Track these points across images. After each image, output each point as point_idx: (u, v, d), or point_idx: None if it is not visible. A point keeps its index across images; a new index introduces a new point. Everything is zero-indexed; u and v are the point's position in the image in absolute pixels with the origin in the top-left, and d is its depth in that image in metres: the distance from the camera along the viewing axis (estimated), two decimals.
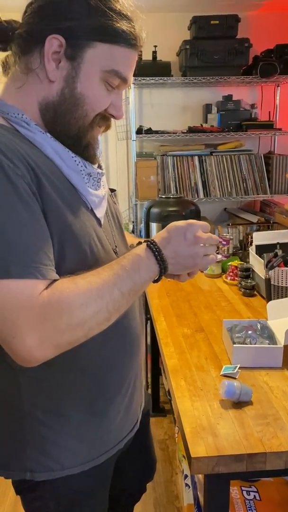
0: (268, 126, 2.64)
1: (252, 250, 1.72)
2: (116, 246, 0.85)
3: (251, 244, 1.77)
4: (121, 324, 0.77)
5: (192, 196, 2.61)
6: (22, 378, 0.77)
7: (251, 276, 1.68)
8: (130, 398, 0.89)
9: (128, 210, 2.84)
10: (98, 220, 0.80)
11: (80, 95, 0.73)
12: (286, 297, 1.46)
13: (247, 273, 1.67)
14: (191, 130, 2.59)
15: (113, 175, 2.85)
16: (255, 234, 1.75)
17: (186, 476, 1.57)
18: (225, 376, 1.07)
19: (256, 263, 1.65)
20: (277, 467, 0.83)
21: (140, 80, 2.44)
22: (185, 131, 2.62)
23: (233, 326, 1.24)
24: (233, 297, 1.62)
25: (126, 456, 0.97)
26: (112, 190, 0.97)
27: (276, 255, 1.50)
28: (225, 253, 1.99)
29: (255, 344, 1.16)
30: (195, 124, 2.71)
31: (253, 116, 2.69)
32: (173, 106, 2.79)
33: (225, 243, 2.00)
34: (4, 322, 0.62)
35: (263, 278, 1.52)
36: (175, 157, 2.63)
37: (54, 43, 0.69)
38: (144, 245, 0.75)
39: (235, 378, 1.05)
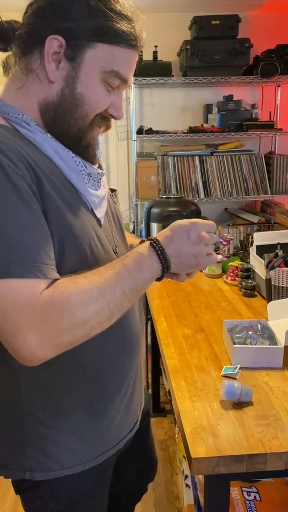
0: (269, 126, 2.64)
1: (252, 251, 1.72)
2: (116, 246, 0.85)
3: (251, 245, 1.76)
4: (121, 324, 0.77)
5: (193, 196, 2.61)
6: (22, 377, 0.77)
7: (251, 276, 1.67)
8: (130, 398, 0.89)
9: (129, 210, 2.84)
10: (98, 220, 0.80)
11: (80, 95, 0.73)
12: (286, 297, 1.46)
13: (248, 273, 1.67)
14: (192, 130, 2.59)
15: (114, 175, 2.85)
16: (255, 235, 1.75)
17: (186, 477, 1.57)
18: (226, 376, 1.07)
19: (257, 264, 1.65)
20: (277, 468, 0.83)
21: (140, 80, 2.44)
22: (186, 131, 2.62)
23: (234, 327, 1.24)
24: (233, 298, 1.62)
25: (126, 456, 0.97)
26: (113, 190, 0.97)
27: (276, 256, 1.50)
28: (226, 253, 1.98)
29: (255, 344, 1.15)
30: (196, 124, 2.71)
31: (253, 116, 2.69)
32: (173, 106, 2.79)
33: (225, 243, 2.00)
34: (5, 321, 0.62)
35: (264, 278, 1.51)
36: (175, 157, 2.63)
37: (54, 43, 0.69)
38: (147, 243, 0.75)
39: (235, 379, 1.05)
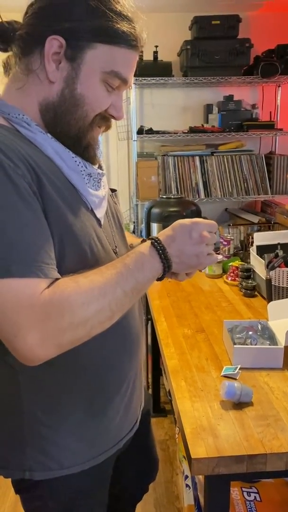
0: (269, 126, 2.64)
1: (253, 251, 1.72)
2: (116, 247, 0.85)
3: (252, 245, 1.76)
4: (121, 324, 0.77)
5: (193, 197, 2.61)
6: (22, 377, 0.77)
7: (252, 276, 1.67)
8: (129, 398, 0.89)
9: (129, 210, 2.84)
10: (98, 220, 0.80)
11: (80, 95, 0.73)
12: (286, 297, 1.46)
13: (248, 273, 1.67)
14: (192, 130, 2.59)
15: (114, 175, 2.85)
16: (256, 235, 1.75)
17: (186, 477, 1.57)
18: (226, 376, 1.07)
19: (257, 264, 1.65)
20: (277, 468, 0.83)
21: (141, 80, 2.44)
22: (186, 131, 2.62)
23: (234, 327, 1.24)
24: (233, 298, 1.62)
25: (126, 456, 0.97)
26: (113, 190, 0.97)
27: (277, 256, 1.50)
28: (226, 253, 1.98)
29: (255, 344, 1.15)
30: (196, 124, 2.71)
31: (254, 116, 2.69)
32: (174, 106, 2.79)
33: (226, 243, 2.00)
34: (5, 321, 0.62)
35: (264, 278, 1.51)
36: (176, 157, 2.63)
37: (54, 44, 0.69)
38: (148, 243, 0.75)
39: (235, 379, 1.05)
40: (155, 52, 2.48)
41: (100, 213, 0.81)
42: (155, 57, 2.49)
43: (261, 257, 1.60)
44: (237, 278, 1.74)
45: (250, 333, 1.19)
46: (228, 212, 2.90)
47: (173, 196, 2.18)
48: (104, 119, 0.78)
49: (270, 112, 2.77)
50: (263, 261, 1.54)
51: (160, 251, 0.74)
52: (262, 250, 1.65)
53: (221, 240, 2.01)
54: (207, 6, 2.46)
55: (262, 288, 1.58)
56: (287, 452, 0.83)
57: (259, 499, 1.31)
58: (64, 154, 0.74)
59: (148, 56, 2.45)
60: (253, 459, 0.82)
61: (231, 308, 1.52)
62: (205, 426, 0.90)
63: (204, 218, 0.81)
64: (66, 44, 0.70)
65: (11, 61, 0.75)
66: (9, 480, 0.85)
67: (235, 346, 1.12)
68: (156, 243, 0.74)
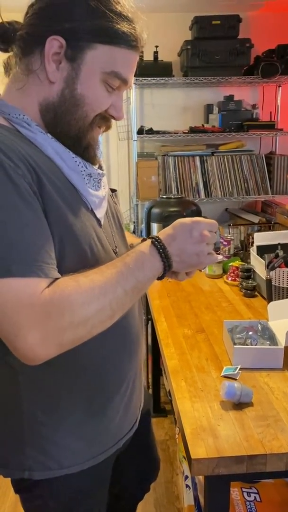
0: (270, 126, 2.64)
1: (253, 251, 1.72)
2: (116, 247, 0.85)
3: (252, 245, 1.76)
4: (120, 323, 0.77)
5: (193, 197, 2.61)
6: (21, 377, 0.77)
7: (252, 276, 1.67)
8: (129, 398, 0.89)
9: (129, 210, 2.84)
10: (98, 220, 0.80)
11: (80, 96, 0.73)
12: (287, 298, 1.45)
13: (248, 273, 1.67)
14: (192, 130, 2.59)
15: (114, 175, 2.85)
16: (256, 235, 1.75)
17: (186, 477, 1.57)
18: (226, 377, 1.07)
19: (257, 264, 1.65)
20: (277, 469, 0.83)
21: (141, 80, 2.44)
22: (186, 131, 2.62)
23: (234, 327, 1.24)
24: (234, 298, 1.62)
25: (126, 456, 0.97)
26: (113, 191, 0.97)
27: (277, 256, 1.50)
28: (226, 253, 1.98)
29: (255, 345, 1.15)
30: (196, 124, 2.71)
31: (254, 117, 2.69)
32: (174, 106, 2.79)
33: (226, 243, 2.00)
34: (6, 320, 0.62)
35: (264, 278, 1.51)
36: (176, 157, 2.63)
37: (54, 44, 0.69)
38: (148, 242, 0.75)
39: (235, 379, 1.05)
40: (156, 52, 2.48)
41: (100, 213, 0.81)
42: (156, 57, 2.49)
43: (261, 257, 1.60)
44: (237, 278, 1.74)
45: (250, 333, 1.19)
46: (228, 212, 2.90)
47: (173, 196, 2.18)
48: (104, 119, 0.78)
49: (271, 112, 2.77)
50: (263, 261, 1.54)
51: (161, 250, 0.74)
52: (262, 250, 1.65)
53: (221, 240, 2.01)
54: (208, 6, 2.46)
55: (262, 288, 1.58)
56: (287, 452, 0.83)
57: (259, 500, 1.31)
58: (64, 154, 0.74)
59: (148, 56, 2.45)
60: (253, 460, 0.82)
61: (231, 308, 1.52)
62: (205, 427, 0.90)
63: (205, 217, 0.81)
64: (66, 44, 0.70)
65: (12, 61, 0.75)
66: (9, 480, 0.85)
67: (235, 346, 1.12)
68: (156, 242, 0.74)
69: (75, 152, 0.76)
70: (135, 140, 2.55)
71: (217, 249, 2.04)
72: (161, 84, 2.54)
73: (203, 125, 2.69)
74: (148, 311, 2.10)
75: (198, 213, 2.13)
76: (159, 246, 0.74)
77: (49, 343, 0.63)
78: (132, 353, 0.88)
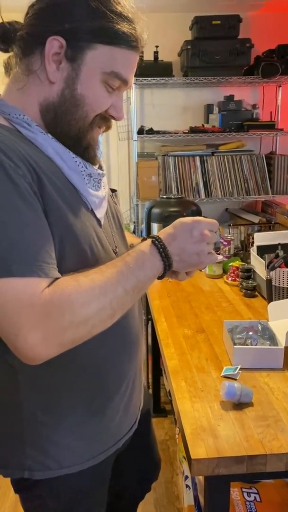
0: (270, 126, 2.64)
1: (253, 251, 1.72)
2: (116, 247, 0.85)
3: (252, 245, 1.76)
4: (120, 323, 0.77)
5: (194, 197, 2.61)
6: (21, 376, 0.77)
7: (252, 277, 1.67)
8: (129, 398, 0.89)
9: (129, 210, 2.84)
10: (98, 220, 0.80)
11: (80, 96, 0.73)
12: (287, 298, 1.45)
13: (248, 273, 1.67)
14: (193, 130, 2.59)
15: (115, 175, 2.85)
16: (256, 235, 1.75)
17: (186, 477, 1.57)
18: (226, 377, 1.07)
19: (257, 264, 1.65)
20: (277, 469, 0.83)
21: (141, 81, 2.43)
22: (187, 131, 2.62)
23: (234, 327, 1.24)
24: (234, 298, 1.62)
25: (125, 456, 0.97)
26: (113, 191, 0.97)
27: (277, 256, 1.50)
28: (226, 253, 1.98)
29: (256, 345, 1.15)
30: (197, 124, 2.71)
31: (254, 117, 2.69)
32: (174, 106, 2.79)
33: (226, 243, 2.00)
34: (6, 320, 0.62)
35: (264, 279, 1.51)
36: (176, 158, 2.63)
37: (54, 44, 0.69)
38: (149, 241, 0.75)
39: (235, 379, 1.05)
40: (156, 52, 2.48)
41: (100, 213, 0.81)
42: (156, 57, 2.49)
43: (261, 257, 1.60)
44: (237, 279, 1.74)
45: (250, 333, 1.19)
46: (229, 212, 2.90)
47: (174, 196, 2.18)
48: (104, 119, 0.78)
49: (271, 112, 2.77)
50: (264, 261, 1.54)
51: (161, 250, 0.74)
52: (263, 250, 1.65)
53: (222, 240, 2.01)
54: (208, 6, 2.46)
55: (263, 288, 1.58)
56: (287, 453, 0.83)
57: (259, 500, 1.31)
58: (65, 155, 0.74)
59: (148, 56, 2.45)
60: (253, 460, 0.82)
61: (231, 308, 1.52)
62: (205, 427, 0.90)
63: (205, 217, 0.81)
64: (66, 44, 0.70)
65: (12, 61, 0.75)
66: (9, 480, 0.85)
67: (235, 346, 1.12)
68: (156, 242, 0.74)
69: (75, 152, 0.76)
70: (135, 140, 2.55)
71: (217, 249, 2.04)
72: (161, 84, 2.54)
73: (203, 125, 2.69)
74: (148, 311, 2.10)
75: (198, 213, 2.13)
76: (159, 245, 0.74)
77: (50, 342, 0.63)
78: (132, 353, 0.88)
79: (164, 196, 2.20)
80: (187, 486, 1.53)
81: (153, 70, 2.46)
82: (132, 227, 2.70)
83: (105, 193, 0.85)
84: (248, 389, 0.97)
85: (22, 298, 0.62)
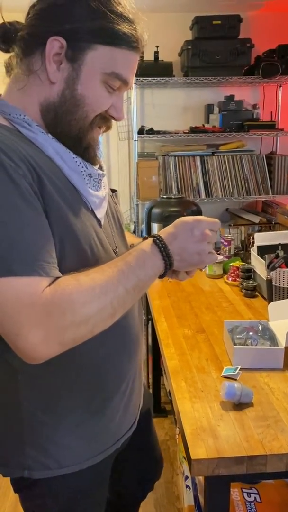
0: (270, 126, 2.64)
1: (253, 251, 1.71)
2: (116, 247, 0.86)
3: (252, 245, 1.76)
4: (120, 323, 0.77)
5: (194, 197, 2.61)
6: (21, 376, 0.77)
7: (252, 277, 1.67)
8: (128, 398, 0.89)
9: (130, 210, 2.84)
10: (98, 220, 0.81)
11: (80, 96, 0.73)
12: (287, 298, 1.45)
13: (249, 274, 1.67)
14: (193, 130, 2.59)
15: (115, 175, 2.85)
16: (256, 235, 1.75)
17: (186, 478, 1.57)
18: (226, 377, 1.07)
19: (258, 264, 1.65)
20: (277, 469, 0.83)
21: (142, 80, 2.44)
22: (187, 131, 2.62)
23: (234, 327, 1.24)
24: (234, 298, 1.62)
25: (125, 456, 0.97)
26: (113, 191, 0.97)
27: (277, 256, 1.50)
28: (227, 253, 1.98)
29: (256, 345, 1.15)
30: (197, 124, 2.71)
31: (255, 117, 2.69)
32: (174, 106, 2.79)
33: (226, 243, 2.00)
34: (7, 319, 0.62)
35: (265, 279, 1.51)
36: (176, 157, 2.63)
37: (55, 44, 0.70)
38: (150, 240, 0.75)
39: (235, 380, 1.05)
40: (156, 52, 2.48)
41: (100, 213, 0.81)
42: (156, 57, 2.49)
43: (261, 257, 1.59)
44: (237, 279, 1.73)
45: (251, 333, 1.19)
46: (229, 212, 2.90)
47: (174, 196, 2.18)
48: (104, 119, 0.78)
49: (271, 112, 2.77)
50: (264, 261, 1.54)
51: (162, 249, 0.74)
52: (263, 251, 1.65)
53: (222, 240, 2.01)
54: (208, 6, 2.46)
55: (263, 288, 1.58)
56: (287, 453, 0.82)
57: (259, 500, 1.31)
58: (65, 155, 0.74)
59: (149, 56, 2.45)
60: (253, 460, 0.82)
61: (231, 308, 1.52)
62: (205, 427, 0.90)
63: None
64: (67, 45, 0.70)
65: (13, 61, 0.75)
66: (9, 480, 0.86)
67: (235, 346, 1.12)
68: (158, 241, 0.74)
69: (76, 152, 0.76)
70: (135, 140, 2.55)
71: (217, 249, 2.04)
72: (162, 84, 2.54)
73: (203, 125, 2.69)
74: (148, 311, 2.10)
75: (198, 213, 2.13)
76: (160, 244, 0.74)
77: (51, 342, 0.64)
78: (132, 353, 0.88)
79: (165, 196, 2.19)
80: (187, 486, 1.53)
81: (154, 70, 2.46)
82: (132, 227, 2.70)
83: (105, 193, 0.85)
84: (248, 389, 0.97)
85: (23, 297, 0.62)
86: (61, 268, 0.69)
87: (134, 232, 2.67)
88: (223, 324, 1.27)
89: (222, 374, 1.08)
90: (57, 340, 0.64)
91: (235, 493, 1.33)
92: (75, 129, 0.75)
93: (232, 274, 1.77)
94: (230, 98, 2.64)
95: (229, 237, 2.00)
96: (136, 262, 0.71)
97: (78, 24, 0.69)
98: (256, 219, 2.67)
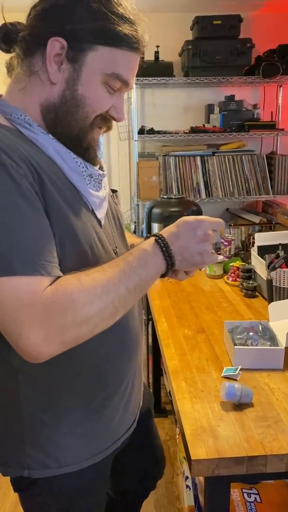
0: (271, 126, 2.64)
1: (254, 251, 1.71)
2: (116, 247, 0.86)
3: (253, 245, 1.76)
4: (120, 323, 0.77)
5: (194, 197, 2.61)
6: (21, 375, 0.77)
7: (252, 277, 1.67)
8: (128, 397, 0.90)
9: (130, 211, 2.84)
10: (98, 221, 0.81)
11: (81, 97, 0.73)
12: (287, 298, 1.45)
13: (249, 274, 1.67)
14: (193, 130, 2.59)
15: (115, 176, 2.85)
16: (257, 235, 1.75)
17: (187, 478, 1.57)
18: (226, 377, 1.07)
19: (258, 264, 1.65)
20: (278, 470, 0.83)
21: (142, 80, 2.44)
22: (187, 131, 2.62)
23: (234, 328, 1.24)
24: (234, 298, 1.62)
25: (125, 456, 0.98)
26: (114, 191, 0.97)
27: (278, 256, 1.50)
28: (227, 253, 1.98)
29: (256, 345, 1.15)
30: (197, 124, 2.71)
31: (255, 117, 2.69)
32: (175, 106, 2.79)
33: (227, 243, 2.00)
34: (8, 319, 0.62)
35: (265, 279, 1.51)
36: (177, 157, 2.63)
37: (56, 45, 0.70)
38: (152, 239, 0.75)
39: (236, 380, 1.05)
40: (156, 52, 2.48)
41: (100, 213, 0.81)
42: (156, 57, 2.49)
43: (262, 257, 1.59)
44: (238, 279, 1.73)
45: (251, 334, 1.19)
46: (229, 212, 2.90)
47: (174, 196, 2.18)
48: (105, 120, 0.78)
49: (272, 112, 2.77)
50: (264, 261, 1.54)
51: (164, 248, 0.74)
52: (263, 251, 1.65)
53: (222, 240, 2.01)
54: (208, 6, 2.46)
55: (263, 288, 1.58)
56: (287, 453, 0.82)
57: (260, 500, 1.31)
58: (66, 155, 0.74)
59: (149, 56, 2.45)
60: (253, 461, 0.82)
61: (231, 308, 1.52)
62: (205, 427, 0.90)
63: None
64: (67, 45, 0.70)
65: (14, 62, 0.76)
66: (10, 480, 0.86)
67: (235, 347, 1.12)
68: (160, 240, 0.74)
69: (76, 152, 0.76)
70: (136, 140, 2.55)
71: (217, 249, 2.04)
72: (162, 84, 2.54)
73: (204, 125, 2.69)
74: (148, 311, 2.10)
75: (199, 213, 2.13)
76: (162, 244, 0.74)
77: (52, 341, 0.64)
78: (132, 353, 0.88)
79: (165, 196, 2.20)
80: (187, 486, 1.53)
81: (154, 70, 2.46)
82: (132, 227, 2.70)
83: (106, 194, 0.85)
84: (248, 389, 0.97)
85: (24, 297, 0.62)
86: (61, 268, 0.69)
87: (134, 232, 2.67)
88: (223, 324, 1.27)
89: (222, 375, 1.08)
90: (58, 339, 0.64)
91: (235, 493, 1.33)
92: (76, 130, 0.75)
93: (233, 274, 1.77)
94: (231, 98, 2.64)
95: (229, 237, 2.00)
96: (137, 262, 0.71)
97: (79, 25, 0.69)
98: (256, 219, 2.67)
